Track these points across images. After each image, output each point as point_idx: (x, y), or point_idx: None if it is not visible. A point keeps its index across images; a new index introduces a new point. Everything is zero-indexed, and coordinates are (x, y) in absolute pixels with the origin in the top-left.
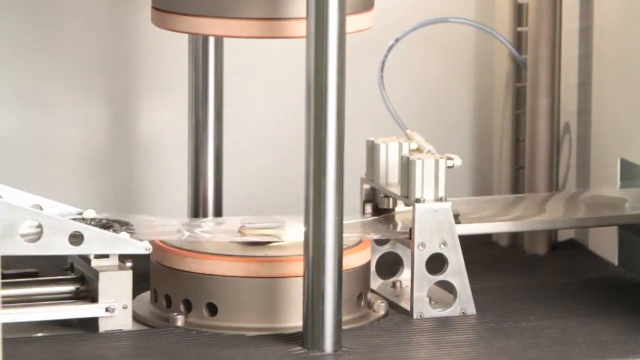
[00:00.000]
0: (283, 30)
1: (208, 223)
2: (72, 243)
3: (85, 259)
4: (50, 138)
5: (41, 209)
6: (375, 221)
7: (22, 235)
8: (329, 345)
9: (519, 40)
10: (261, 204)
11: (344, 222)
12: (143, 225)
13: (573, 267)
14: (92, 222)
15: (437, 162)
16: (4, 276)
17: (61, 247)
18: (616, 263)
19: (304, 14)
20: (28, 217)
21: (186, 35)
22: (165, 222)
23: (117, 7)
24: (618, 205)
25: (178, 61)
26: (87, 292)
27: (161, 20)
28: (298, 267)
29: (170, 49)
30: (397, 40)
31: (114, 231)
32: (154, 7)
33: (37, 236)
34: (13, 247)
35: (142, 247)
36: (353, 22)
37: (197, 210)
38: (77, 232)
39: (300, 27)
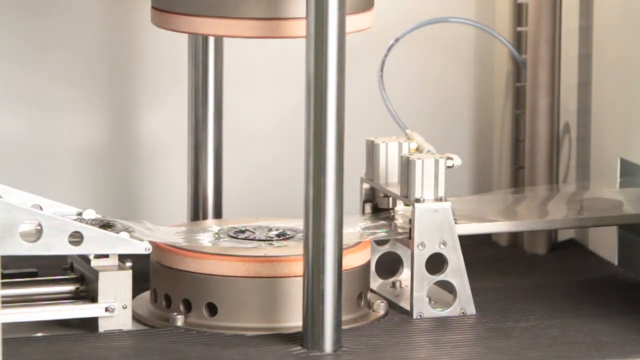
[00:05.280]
0: (283, 30)
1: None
2: (72, 243)
3: (85, 258)
4: (50, 138)
5: (41, 209)
6: (374, 221)
7: (22, 235)
8: (328, 345)
9: (519, 40)
10: (261, 203)
11: (344, 222)
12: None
13: (573, 267)
14: (92, 222)
15: (437, 162)
16: (4, 276)
17: (61, 247)
18: (616, 263)
19: (304, 14)
20: (28, 217)
21: (186, 35)
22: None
23: (117, 6)
24: (618, 205)
25: (178, 61)
26: (87, 292)
27: (161, 20)
28: (298, 267)
29: (170, 49)
30: (397, 40)
31: (114, 231)
32: (153, 7)
33: (37, 236)
34: (13, 247)
35: (142, 247)
36: (353, 21)
37: (196, 209)
38: (77, 232)
39: (300, 27)
